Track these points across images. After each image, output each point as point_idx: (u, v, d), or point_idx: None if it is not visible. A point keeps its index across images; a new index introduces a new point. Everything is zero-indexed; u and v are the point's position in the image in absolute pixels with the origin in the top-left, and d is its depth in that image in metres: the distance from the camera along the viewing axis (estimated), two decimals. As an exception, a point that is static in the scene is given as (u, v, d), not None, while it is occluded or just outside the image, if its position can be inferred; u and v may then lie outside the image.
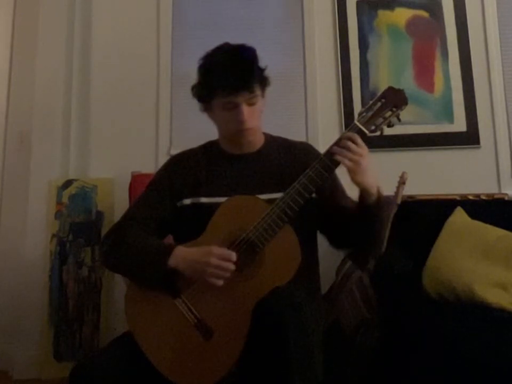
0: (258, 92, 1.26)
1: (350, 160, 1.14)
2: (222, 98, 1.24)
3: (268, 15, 2.68)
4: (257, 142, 1.35)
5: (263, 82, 1.29)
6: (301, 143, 1.45)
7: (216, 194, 1.26)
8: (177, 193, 1.30)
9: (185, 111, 2.59)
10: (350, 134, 1.18)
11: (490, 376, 1.35)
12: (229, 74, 1.22)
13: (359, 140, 1.17)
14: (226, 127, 1.30)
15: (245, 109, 1.23)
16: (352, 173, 1.15)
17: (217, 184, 1.29)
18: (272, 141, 1.39)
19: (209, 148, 1.39)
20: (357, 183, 1.17)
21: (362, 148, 1.16)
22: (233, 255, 1.12)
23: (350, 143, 1.15)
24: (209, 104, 1.30)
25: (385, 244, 1.88)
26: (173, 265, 1.15)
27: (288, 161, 1.33)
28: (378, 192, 1.20)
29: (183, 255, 1.16)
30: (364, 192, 1.19)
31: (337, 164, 1.17)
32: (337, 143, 1.18)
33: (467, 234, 1.89)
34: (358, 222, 1.22)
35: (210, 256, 1.11)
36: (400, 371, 1.52)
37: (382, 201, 1.22)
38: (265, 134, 1.40)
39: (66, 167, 2.55)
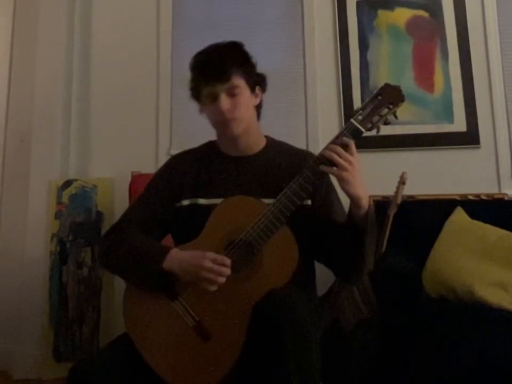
0: (239, 83, 1.25)
1: (338, 165, 1.11)
2: (205, 91, 1.26)
3: (268, 15, 2.68)
4: (256, 144, 1.34)
5: (250, 76, 1.28)
6: (306, 151, 1.43)
7: (214, 195, 1.26)
8: (176, 194, 1.30)
9: (185, 111, 2.59)
10: (346, 139, 1.14)
11: (490, 376, 1.35)
12: (207, 66, 1.26)
13: (353, 147, 1.13)
14: (212, 120, 1.30)
15: (224, 99, 1.23)
16: (341, 181, 1.12)
17: (215, 186, 1.28)
18: (274, 146, 1.37)
19: (208, 148, 1.38)
20: (346, 192, 1.13)
21: (354, 155, 1.13)
22: (227, 260, 1.11)
23: (339, 149, 1.12)
24: (200, 101, 1.31)
25: (384, 245, 1.88)
26: (167, 267, 1.14)
27: (286, 167, 1.30)
28: (369, 205, 1.16)
29: (178, 257, 1.15)
30: (353, 203, 1.15)
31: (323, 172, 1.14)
32: (328, 147, 1.15)
33: (467, 234, 1.89)
34: (345, 236, 1.17)
35: (204, 259, 1.10)
36: (400, 371, 1.52)
37: (371, 215, 1.17)
38: (267, 138, 1.38)
39: (66, 167, 2.55)
